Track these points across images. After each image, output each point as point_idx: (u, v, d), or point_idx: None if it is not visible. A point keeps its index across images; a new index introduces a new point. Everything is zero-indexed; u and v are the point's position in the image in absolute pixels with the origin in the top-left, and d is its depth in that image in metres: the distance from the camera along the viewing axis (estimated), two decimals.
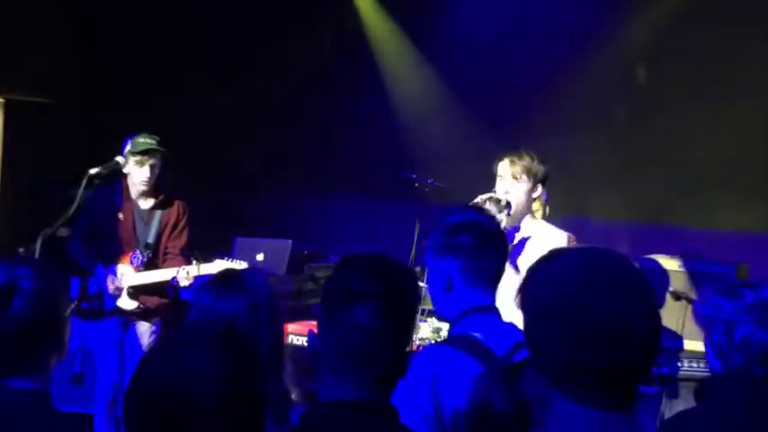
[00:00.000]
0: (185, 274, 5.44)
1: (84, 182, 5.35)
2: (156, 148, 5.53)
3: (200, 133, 8.96)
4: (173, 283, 5.55)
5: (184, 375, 1.65)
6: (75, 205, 5.28)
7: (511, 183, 4.68)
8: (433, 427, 2.61)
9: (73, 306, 5.44)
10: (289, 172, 9.16)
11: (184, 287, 5.50)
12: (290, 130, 9.18)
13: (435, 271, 2.89)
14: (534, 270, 1.85)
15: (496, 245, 2.91)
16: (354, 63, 9.02)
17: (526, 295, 1.83)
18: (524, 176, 4.71)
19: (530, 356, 1.83)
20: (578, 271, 1.78)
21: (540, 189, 4.77)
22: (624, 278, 1.76)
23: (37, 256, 4.97)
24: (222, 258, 5.52)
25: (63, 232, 5.59)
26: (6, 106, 8.83)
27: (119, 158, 5.54)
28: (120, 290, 5.55)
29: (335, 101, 8.92)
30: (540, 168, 4.77)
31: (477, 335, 2.71)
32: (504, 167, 4.74)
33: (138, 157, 5.53)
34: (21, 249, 5.11)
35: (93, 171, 5.39)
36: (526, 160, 4.74)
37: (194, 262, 5.46)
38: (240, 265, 5.42)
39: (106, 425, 5.61)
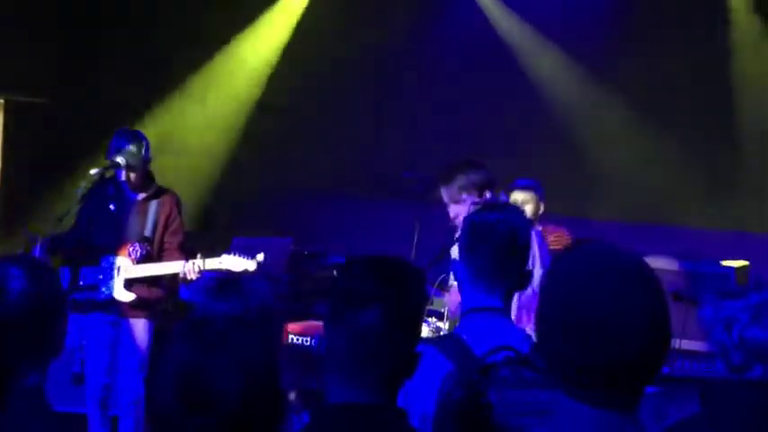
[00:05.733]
0: (192, 267, 5.43)
1: (84, 182, 5.36)
2: (126, 164, 5.50)
3: (199, 132, 8.97)
4: (181, 273, 5.49)
5: (211, 364, 1.67)
6: (74, 205, 5.29)
7: (454, 206, 4.60)
8: None
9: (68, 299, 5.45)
10: (289, 171, 9.15)
11: (191, 280, 5.48)
12: (291, 130, 9.17)
13: (453, 270, 2.90)
14: (548, 267, 1.85)
15: (503, 251, 2.80)
16: (356, 62, 9.01)
17: (539, 294, 1.83)
18: (463, 195, 4.58)
19: (537, 356, 1.82)
20: (580, 269, 1.77)
21: (488, 194, 4.60)
22: (626, 276, 1.73)
23: (36, 255, 4.97)
24: (229, 254, 5.51)
25: (61, 232, 5.59)
26: (6, 106, 8.82)
27: (118, 158, 5.54)
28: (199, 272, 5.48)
29: (336, 100, 8.92)
30: (474, 178, 4.61)
31: (465, 337, 2.69)
32: (443, 194, 4.67)
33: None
34: (21, 249, 5.11)
35: (93, 171, 5.40)
36: (458, 179, 4.60)
37: (199, 256, 5.45)
38: (246, 263, 5.42)
39: (99, 425, 5.60)
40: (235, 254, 5.49)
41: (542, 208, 5.89)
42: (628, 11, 8.10)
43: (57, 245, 5.53)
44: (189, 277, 5.44)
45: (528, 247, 2.90)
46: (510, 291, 2.84)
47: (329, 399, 2.18)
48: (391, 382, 2.19)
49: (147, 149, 5.56)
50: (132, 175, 5.56)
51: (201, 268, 5.41)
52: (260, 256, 5.54)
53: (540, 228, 4.93)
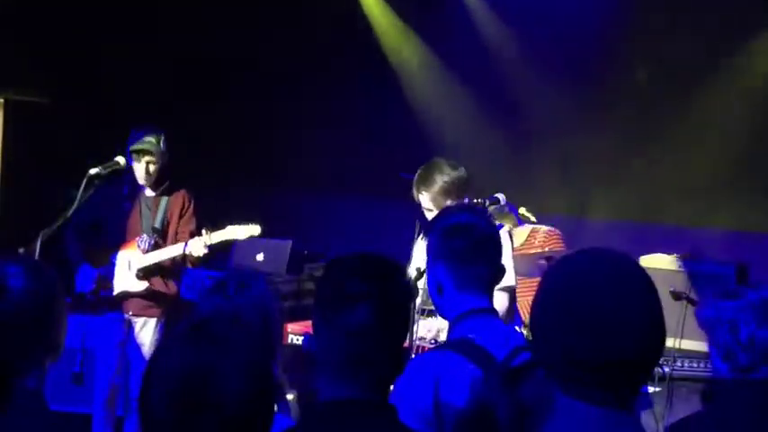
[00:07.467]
0: (197, 242, 5.43)
1: (85, 182, 5.36)
2: (146, 149, 5.53)
3: (200, 133, 8.97)
4: (185, 250, 5.49)
5: (209, 359, 1.67)
6: (75, 205, 5.28)
7: (430, 212, 4.54)
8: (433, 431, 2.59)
9: (77, 298, 5.44)
10: (289, 172, 9.16)
11: (199, 258, 5.48)
12: (291, 130, 9.17)
13: (430, 274, 2.87)
14: (546, 270, 1.86)
15: (487, 250, 2.82)
16: (356, 63, 9.01)
17: (537, 293, 1.84)
18: (440, 200, 4.53)
19: (534, 353, 1.83)
20: (580, 268, 1.80)
21: (466, 197, 4.54)
22: (625, 276, 1.77)
23: (36, 256, 4.97)
24: (233, 224, 5.52)
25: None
26: (6, 106, 8.83)
27: (119, 158, 5.55)
28: None
29: (335, 100, 8.93)
30: (453, 180, 4.55)
31: (472, 336, 2.69)
32: (419, 199, 4.60)
33: (134, 153, 5.58)
34: (21, 249, 5.11)
35: (93, 171, 5.40)
36: (436, 185, 4.54)
37: (204, 231, 5.45)
38: (250, 229, 5.44)
39: (104, 425, 5.59)
40: (237, 224, 5.52)
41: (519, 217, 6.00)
42: (628, 10, 8.10)
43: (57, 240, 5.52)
44: (196, 254, 5.45)
45: (500, 243, 2.93)
46: (492, 289, 2.86)
47: (322, 396, 2.19)
48: (382, 379, 2.20)
49: (166, 142, 5.61)
50: (152, 168, 5.59)
51: (208, 243, 5.43)
52: (260, 256, 5.54)
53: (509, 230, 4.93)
